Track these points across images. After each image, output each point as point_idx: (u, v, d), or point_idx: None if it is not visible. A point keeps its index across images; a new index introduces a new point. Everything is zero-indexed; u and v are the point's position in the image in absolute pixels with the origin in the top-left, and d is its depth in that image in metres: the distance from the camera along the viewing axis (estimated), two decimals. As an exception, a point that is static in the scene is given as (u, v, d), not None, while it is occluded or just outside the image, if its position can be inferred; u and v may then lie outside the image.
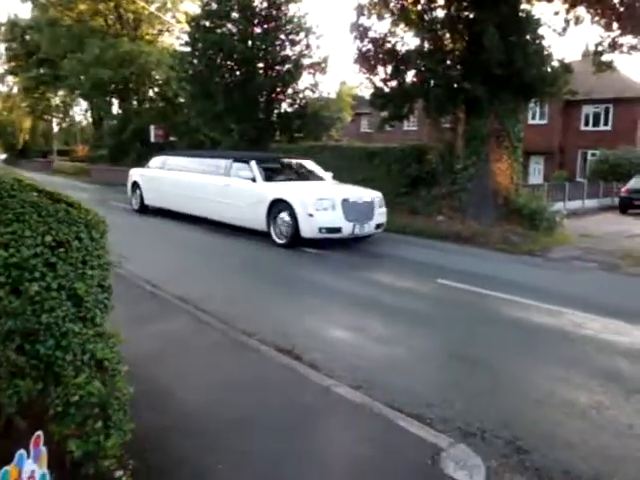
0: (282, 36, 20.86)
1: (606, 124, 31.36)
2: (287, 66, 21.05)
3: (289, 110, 22.08)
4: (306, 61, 21.30)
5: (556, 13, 15.08)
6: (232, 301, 5.76)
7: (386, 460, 2.76)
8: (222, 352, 4.14)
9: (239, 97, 20.12)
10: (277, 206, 9.44)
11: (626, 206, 20.49)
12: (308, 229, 9.07)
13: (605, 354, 4.57)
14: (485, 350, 4.57)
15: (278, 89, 21.21)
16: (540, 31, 14.19)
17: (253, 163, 10.49)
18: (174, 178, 12.31)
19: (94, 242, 2.26)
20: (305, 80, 21.99)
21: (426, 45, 13.94)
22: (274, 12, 20.63)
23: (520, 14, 13.76)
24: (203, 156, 13.04)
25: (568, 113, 31.76)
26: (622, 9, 13.82)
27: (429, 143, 16.19)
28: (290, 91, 21.61)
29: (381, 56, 14.50)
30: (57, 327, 1.96)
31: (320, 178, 11.25)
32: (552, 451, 2.93)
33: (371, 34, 14.72)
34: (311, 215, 9.04)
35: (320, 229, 9.04)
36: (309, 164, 11.97)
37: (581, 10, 14.79)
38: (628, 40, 14.41)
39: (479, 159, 13.12)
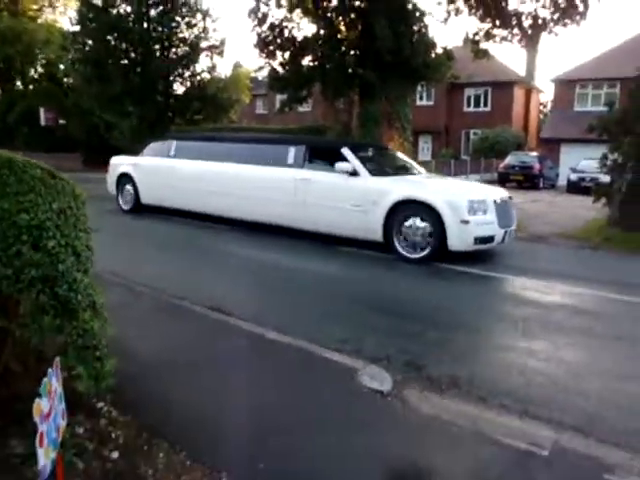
0: (178, 18, 20.90)
1: (486, 105, 33.90)
2: (184, 48, 21.15)
3: (187, 92, 22.19)
4: (203, 44, 21.52)
5: (439, 4, 16.39)
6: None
7: (317, 380, 3.55)
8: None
9: (136, 79, 20.00)
10: (403, 209, 7.36)
11: (504, 180, 22.76)
12: (460, 240, 7.08)
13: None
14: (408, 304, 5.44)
15: (176, 71, 21.27)
16: (425, 21, 15.43)
17: (348, 151, 8.20)
18: (200, 170, 9.74)
19: (79, 210, 2.81)
20: (203, 62, 22.28)
21: (322, 32, 14.78)
22: (171, -7, 20.61)
23: (408, 5, 14.89)
24: (246, 141, 10.44)
25: (452, 95, 33.97)
26: (494, 5, 15.27)
27: (326, 124, 17.10)
28: (188, 73, 21.75)
29: (280, 41, 15.17)
30: (69, 274, 2.52)
31: (415, 170, 9.26)
32: (441, 365, 3.83)
33: (270, 20, 15.35)
34: (466, 222, 7.03)
35: (475, 239, 7.16)
36: (399, 153, 10.27)
37: (460, 3, 16.16)
38: (500, 32, 15.97)
39: (373, 139, 14.18)
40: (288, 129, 16.23)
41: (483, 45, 17.18)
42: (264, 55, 15.31)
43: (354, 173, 7.90)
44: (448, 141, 34.00)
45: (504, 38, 16.33)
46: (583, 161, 22.18)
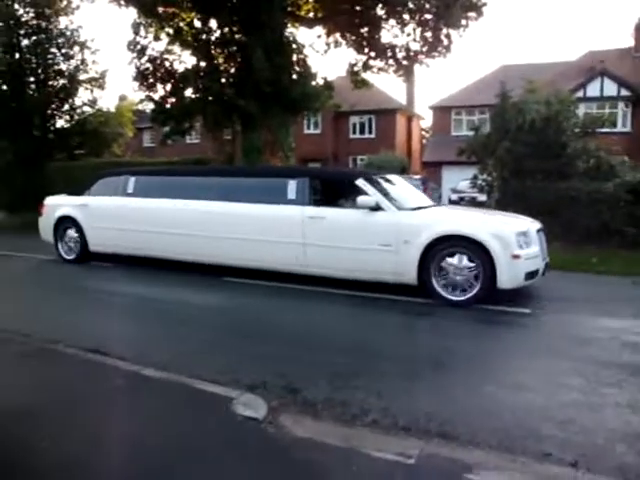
0: (54, 50, 20.14)
1: (370, 132, 35.26)
2: (62, 81, 20.39)
3: (67, 126, 21.35)
4: (82, 76, 20.84)
5: (318, 37, 17.02)
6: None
7: (191, 412, 3.52)
8: None
9: (7, 113, 18.99)
10: (443, 246, 6.48)
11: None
12: (511, 277, 6.33)
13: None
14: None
15: (54, 105, 20.43)
16: (306, 52, 15.93)
17: (364, 182, 7.27)
18: (168, 210, 8.44)
19: None
20: (83, 95, 21.53)
21: (202, 64, 14.83)
22: (43, 24, 19.84)
23: (286, 37, 15.31)
24: (228, 175, 9.14)
25: (338, 123, 35.04)
26: (369, 38, 16.07)
27: (211, 155, 17.07)
28: (67, 107, 20.95)
29: (160, 74, 15.05)
30: None
31: (427, 200, 8.49)
32: (313, 386, 3.91)
33: (149, 52, 15.20)
34: (517, 257, 6.31)
35: (526, 275, 6.45)
36: (401, 179, 9.02)
37: (338, 36, 16.89)
38: (377, 63, 16.80)
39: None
40: (172, 162, 16.00)
41: (363, 75, 18.03)
42: (144, 88, 15.12)
43: (376, 208, 6.92)
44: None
45: (381, 69, 17.22)
46: (461, 182, 23.55)
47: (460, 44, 16.81)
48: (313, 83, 15.77)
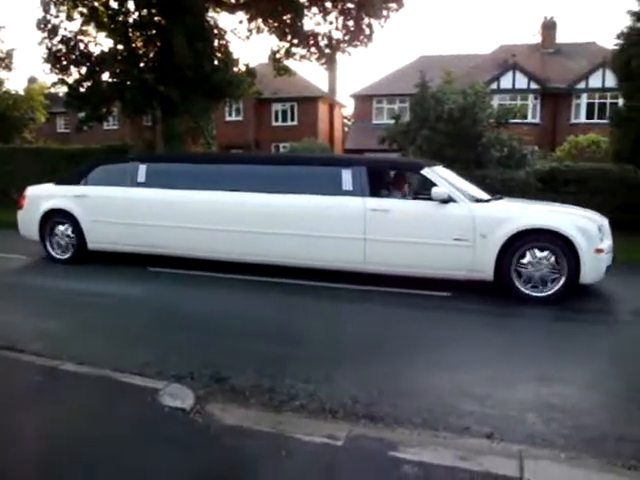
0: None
1: (293, 120, 35.20)
2: (-38, 61, 19.12)
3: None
4: (-15, 55, 19.59)
5: (240, 22, 16.79)
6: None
7: (115, 405, 3.44)
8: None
9: None
10: (523, 240, 6.15)
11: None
12: (594, 271, 6.13)
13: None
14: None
15: (-46, 87, 19.12)
16: (227, 38, 15.67)
17: (433, 173, 6.86)
18: (196, 203, 7.52)
19: None
20: (-13, 77, 20.25)
21: (120, 47, 14.27)
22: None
23: (207, 22, 14.99)
24: (266, 162, 8.32)
25: (261, 110, 34.72)
26: (291, 25, 16.02)
27: (130, 142, 16.54)
28: (-32, 89, 19.67)
29: (74, 57, 14.36)
30: None
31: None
32: (241, 375, 3.93)
33: (62, 32, 14.44)
34: (600, 251, 6.13)
35: (606, 269, 6.28)
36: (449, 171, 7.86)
37: (260, 22, 16.72)
38: (299, 50, 16.78)
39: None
40: (90, 149, 15.34)
41: (285, 62, 17.97)
42: (56, 71, 14.38)
43: (447, 200, 6.46)
44: (260, 155, 34.71)
45: (303, 56, 17.22)
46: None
47: (381, 34, 17.11)
48: (235, 69, 15.56)
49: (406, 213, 6.78)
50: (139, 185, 7.87)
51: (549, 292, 6.14)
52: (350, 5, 15.62)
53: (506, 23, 77.29)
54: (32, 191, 8.82)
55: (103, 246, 8.11)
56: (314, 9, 15.96)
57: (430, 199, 6.59)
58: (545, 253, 6.13)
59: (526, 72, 28.95)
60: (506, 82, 28.95)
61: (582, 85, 28.48)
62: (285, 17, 15.98)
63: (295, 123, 34.83)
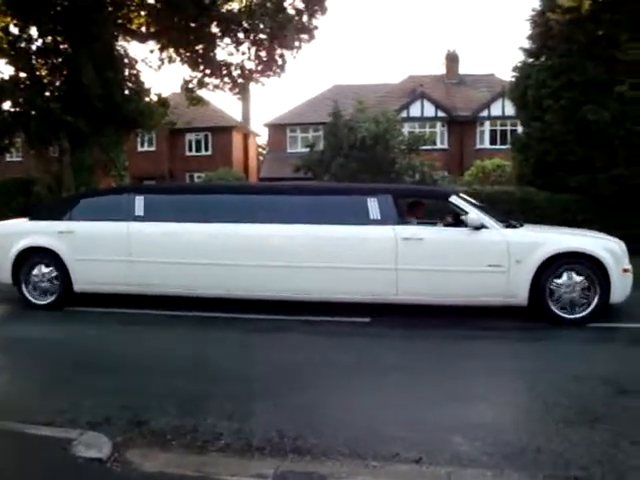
0: None
1: (207, 150, 34.94)
2: None
3: None
4: None
5: (151, 51, 16.55)
6: None
7: (25, 461, 3.17)
8: None
9: None
10: (556, 264, 6.25)
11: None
12: (622, 291, 6.27)
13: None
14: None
15: None
16: (138, 67, 15.38)
17: (460, 200, 6.80)
18: (210, 236, 6.99)
19: None
20: None
21: (22, 75, 13.66)
22: None
23: (117, 51, 14.66)
24: (283, 193, 7.77)
25: (174, 140, 34.21)
26: (204, 55, 15.97)
27: (36, 175, 15.76)
28: None
29: (-29, 84, 13.61)
30: None
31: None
32: (162, 416, 3.75)
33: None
34: (626, 270, 6.33)
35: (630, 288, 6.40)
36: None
37: (172, 51, 16.57)
38: (212, 80, 16.74)
39: (88, 188, 13.50)
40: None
41: (198, 92, 17.85)
42: (-48, 100, 13.56)
43: (480, 226, 6.43)
44: (174, 185, 34.07)
45: (217, 86, 17.18)
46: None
47: (294, 64, 17.42)
48: (147, 99, 15.26)
49: (440, 241, 6.65)
50: (137, 219, 7.13)
51: (584, 313, 6.25)
52: (262, 36, 15.79)
53: (413, 54, 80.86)
54: (2, 227, 7.87)
55: (93, 287, 7.26)
56: (226, 39, 16.01)
57: (459, 226, 6.64)
58: (577, 275, 6.26)
59: (433, 101, 30.29)
60: (415, 110, 30.16)
61: (485, 113, 30.11)
62: (197, 47, 15.92)
63: (209, 153, 34.56)
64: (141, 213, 7.16)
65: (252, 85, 17.82)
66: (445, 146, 30.39)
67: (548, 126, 12.72)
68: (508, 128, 28.87)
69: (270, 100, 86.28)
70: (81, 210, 7.58)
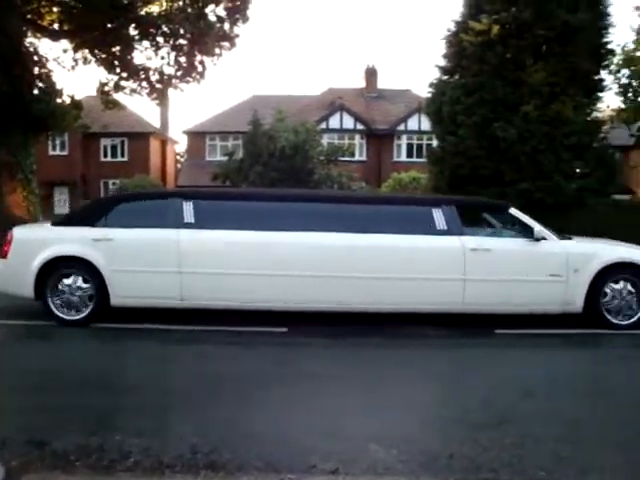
0: None
1: (123, 155, 33.89)
2: None
3: None
4: None
5: (65, 51, 15.85)
6: None
7: None
8: None
9: None
10: (609, 274, 6.60)
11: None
12: None
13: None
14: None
15: None
16: (50, 66, 14.67)
17: (519, 212, 7.00)
18: (281, 243, 6.56)
19: None
20: None
21: None
22: None
23: (26, 48, 13.93)
24: (346, 201, 7.73)
25: (88, 145, 32.97)
26: (121, 58, 15.49)
27: None
28: None
29: None
30: None
31: None
32: (65, 435, 3.52)
33: None
34: None
35: None
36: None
37: (87, 52, 15.94)
38: (129, 84, 16.26)
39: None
40: None
41: (115, 96, 17.27)
42: None
43: (539, 238, 6.66)
44: (87, 192, 32.71)
45: (134, 90, 16.70)
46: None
47: (215, 71, 17.26)
48: (59, 100, 14.55)
49: (506, 251, 6.79)
50: (187, 226, 6.56)
51: (632, 320, 6.65)
52: (182, 41, 15.53)
53: (333, 67, 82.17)
54: (23, 234, 6.98)
55: (132, 301, 6.59)
56: (145, 43, 15.62)
57: (519, 237, 6.87)
58: (627, 284, 6.64)
59: (352, 113, 30.87)
60: (334, 122, 30.61)
61: (402, 127, 31.02)
62: (114, 49, 15.41)
63: (126, 159, 33.53)
64: (191, 220, 6.58)
65: (171, 91, 17.47)
66: (363, 158, 31.02)
67: (462, 141, 13.22)
68: (424, 142, 29.86)
69: (190, 107, 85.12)
70: (119, 215, 6.82)
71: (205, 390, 4.53)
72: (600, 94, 13.91)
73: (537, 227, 6.77)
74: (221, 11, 15.70)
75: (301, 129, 16.72)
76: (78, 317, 6.50)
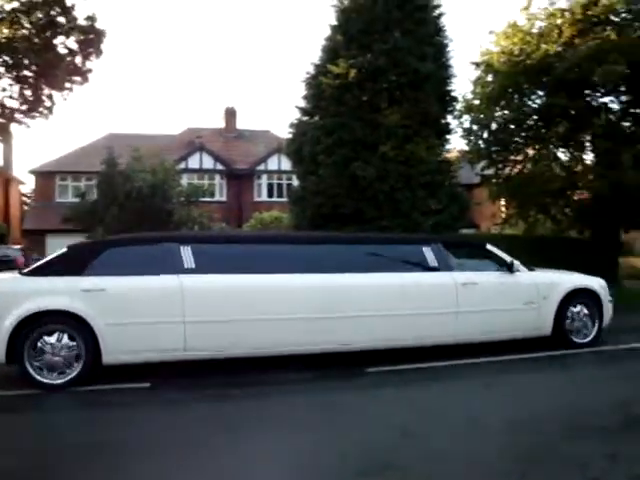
0: None
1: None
2: None
3: None
4: None
5: None
6: None
7: None
8: None
9: None
10: (569, 299, 7.66)
11: None
12: (608, 317, 8.00)
13: None
14: None
15: None
16: None
17: (494, 247, 7.84)
18: (276, 288, 6.44)
19: None
20: None
21: None
22: None
23: None
24: (337, 242, 7.95)
25: None
26: None
27: None
28: None
29: None
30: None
31: None
32: None
33: None
34: (610, 301, 8.06)
35: None
36: None
37: None
38: None
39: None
40: None
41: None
42: None
43: (512, 269, 7.50)
44: None
45: None
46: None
47: (66, 107, 16.25)
48: None
49: (490, 284, 7.42)
50: (188, 272, 6.16)
51: (590, 338, 7.74)
52: (28, 73, 14.41)
53: (192, 107, 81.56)
54: (11, 289, 6.02)
55: (128, 357, 6.00)
56: (-19, 73, 14.28)
57: (498, 270, 7.57)
58: (583, 307, 7.76)
59: (212, 153, 30.59)
60: (194, 162, 30.11)
61: (262, 167, 31.25)
62: None
63: None
64: (192, 265, 6.24)
65: (15, 126, 16.06)
66: (224, 198, 30.73)
67: (322, 180, 13.42)
68: (284, 182, 30.27)
69: (37, 145, 79.70)
70: (108, 262, 6.29)
71: (42, 468, 3.86)
72: (448, 136, 14.89)
73: (513, 261, 7.58)
74: (72, 43, 14.87)
75: (159, 169, 16.13)
76: (63, 380, 5.75)
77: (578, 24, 14.50)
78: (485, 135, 16.50)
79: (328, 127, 13.54)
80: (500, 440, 4.28)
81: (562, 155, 16.68)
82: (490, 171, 17.06)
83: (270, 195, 31.02)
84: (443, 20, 14.37)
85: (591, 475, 3.52)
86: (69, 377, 5.77)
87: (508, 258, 7.63)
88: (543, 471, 3.65)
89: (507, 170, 16.75)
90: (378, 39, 13.31)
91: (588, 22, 14.53)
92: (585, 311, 7.75)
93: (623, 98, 15.39)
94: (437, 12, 14.27)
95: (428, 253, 7.25)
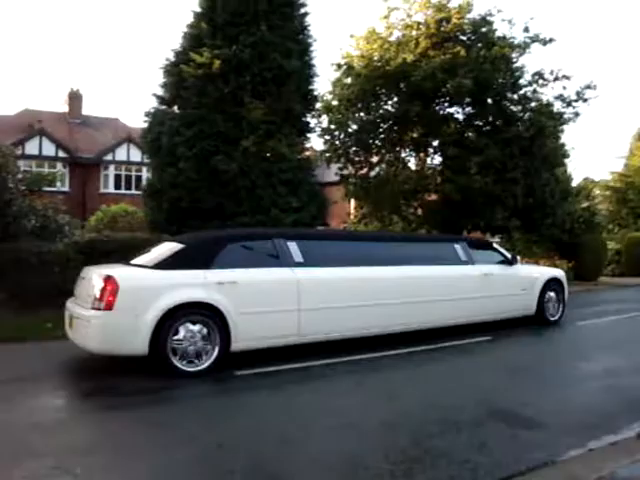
0: None
1: None
2: None
3: None
4: None
5: None
6: None
7: None
8: None
9: None
10: (546, 287, 9.97)
11: None
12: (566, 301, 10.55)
13: None
14: None
15: None
16: None
17: (495, 245, 10.51)
18: (363, 279, 7.67)
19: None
20: None
21: None
22: None
23: None
24: (393, 240, 9.85)
25: None
26: None
27: None
28: None
29: None
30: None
31: None
32: None
33: None
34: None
35: None
36: None
37: None
38: None
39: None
40: None
41: None
42: None
43: (511, 262, 9.67)
44: None
45: None
46: None
47: None
48: None
49: (500, 275, 9.37)
50: (299, 265, 7.06)
51: (557, 316, 10.19)
52: None
53: (30, 86, 74.42)
54: (130, 280, 6.24)
55: (254, 344, 6.68)
56: None
57: (501, 264, 9.58)
58: (552, 293, 10.10)
59: (54, 139, 28.19)
60: (32, 148, 27.54)
61: (109, 157, 29.43)
62: None
63: None
64: (301, 259, 7.10)
65: None
66: (67, 188, 28.41)
67: (181, 173, 12.81)
68: (133, 173, 28.79)
69: None
70: (229, 257, 6.79)
71: None
72: (309, 135, 14.98)
73: (515, 256, 9.87)
74: None
75: (-5, 153, 14.33)
76: (200, 367, 6.20)
77: (433, 37, 15.37)
78: (342, 136, 16.90)
79: (188, 118, 12.95)
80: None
81: (413, 159, 17.63)
82: (347, 171, 17.50)
83: (118, 187, 29.28)
84: (308, 19, 14.39)
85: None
86: (206, 364, 6.22)
87: (509, 254, 9.79)
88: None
89: (365, 170, 17.30)
90: (245, 31, 12.94)
91: (441, 37, 15.45)
92: (554, 296, 10.06)
93: (468, 110, 16.59)
94: (303, 10, 14.25)
95: (459, 250, 9.07)
